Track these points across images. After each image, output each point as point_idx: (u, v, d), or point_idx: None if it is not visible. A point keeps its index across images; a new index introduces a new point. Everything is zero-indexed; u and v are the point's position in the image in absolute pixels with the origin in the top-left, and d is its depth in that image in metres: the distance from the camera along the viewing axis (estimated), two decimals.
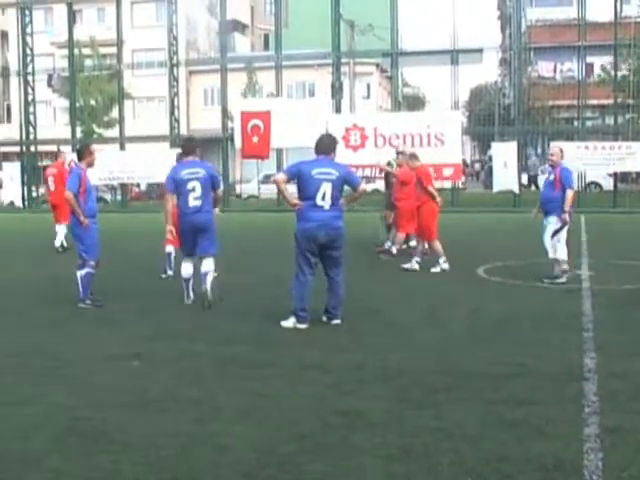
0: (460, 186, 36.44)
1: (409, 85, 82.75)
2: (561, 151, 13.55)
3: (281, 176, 10.13)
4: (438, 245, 14.93)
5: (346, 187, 9.95)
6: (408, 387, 7.02)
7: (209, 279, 11.29)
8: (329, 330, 9.58)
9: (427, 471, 5.14)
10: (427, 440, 5.66)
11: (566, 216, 12.91)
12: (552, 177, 13.19)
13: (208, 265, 11.35)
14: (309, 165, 9.90)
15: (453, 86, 36.28)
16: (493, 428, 5.91)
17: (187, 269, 11.70)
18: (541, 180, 13.22)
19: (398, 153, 17.91)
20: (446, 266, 14.74)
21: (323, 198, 9.64)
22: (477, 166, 68.94)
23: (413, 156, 15.81)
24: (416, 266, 14.87)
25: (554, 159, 13.35)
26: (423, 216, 15.11)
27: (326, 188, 9.63)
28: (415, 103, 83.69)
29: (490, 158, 40.49)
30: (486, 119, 45.96)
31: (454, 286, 13.13)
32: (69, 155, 22.46)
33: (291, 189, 10.04)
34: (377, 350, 8.48)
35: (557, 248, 13.06)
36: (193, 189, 11.28)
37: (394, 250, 16.66)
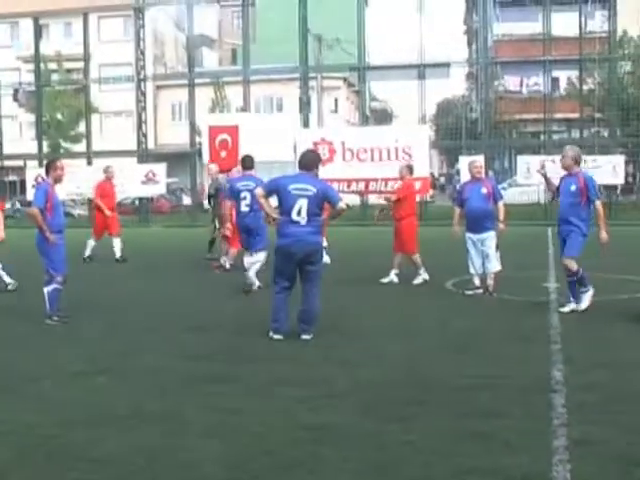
0: (428, 199, 36.58)
1: (377, 99, 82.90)
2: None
3: (260, 190, 10.26)
4: (418, 258, 15.13)
5: None
6: (377, 401, 7.01)
7: (253, 269, 13.86)
8: (299, 345, 9.55)
9: None
10: (396, 454, 5.65)
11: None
12: (485, 190, 13.41)
13: (256, 258, 13.87)
14: (287, 180, 10.04)
15: (420, 100, 36.50)
16: (462, 441, 5.91)
17: (247, 260, 14.09)
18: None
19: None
20: (426, 276, 15.02)
21: (299, 213, 9.71)
22: (442, 179, 69.26)
23: (407, 168, 15.90)
24: (425, 275, 15.05)
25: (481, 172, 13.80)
26: (403, 230, 15.19)
27: (302, 204, 9.69)
28: (383, 117, 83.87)
29: (457, 172, 40.70)
30: (453, 133, 46.24)
31: (423, 299, 13.17)
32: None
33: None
34: (346, 364, 8.45)
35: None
36: (245, 198, 13.79)
37: (227, 265, 17.11)
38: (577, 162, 11.56)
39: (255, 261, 13.92)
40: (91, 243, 20.21)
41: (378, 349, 9.31)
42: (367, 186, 30.77)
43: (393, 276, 15.07)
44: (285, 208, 9.81)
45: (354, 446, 5.85)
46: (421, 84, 36.39)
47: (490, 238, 13.33)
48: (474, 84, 56.16)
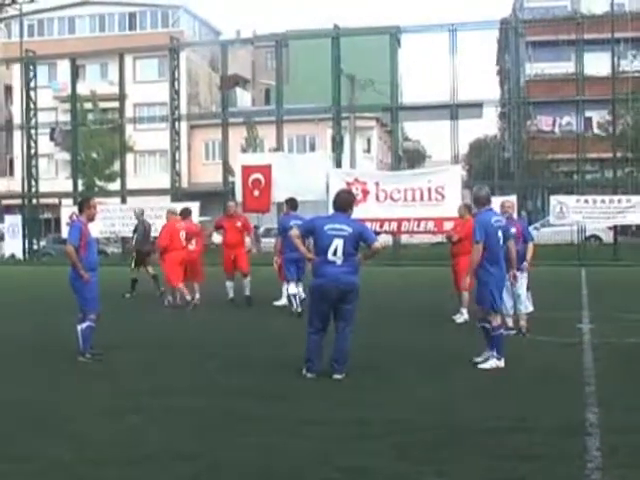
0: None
1: (409, 139, 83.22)
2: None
3: (295, 231, 10.41)
4: (467, 296, 14.96)
5: None
6: (410, 443, 6.96)
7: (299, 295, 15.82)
8: (331, 385, 9.52)
9: None
10: None
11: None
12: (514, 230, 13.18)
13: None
14: (323, 220, 10.19)
15: (453, 140, 36.44)
16: None
17: (293, 289, 15.98)
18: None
19: None
20: (467, 316, 14.89)
21: (335, 253, 9.76)
22: None
23: (465, 207, 15.99)
24: (466, 316, 14.93)
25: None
26: (460, 267, 15.13)
27: (338, 244, 9.76)
28: (415, 157, 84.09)
29: None
30: (486, 173, 46.11)
31: (456, 339, 13.08)
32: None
33: None
34: (379, 405, 8.42)
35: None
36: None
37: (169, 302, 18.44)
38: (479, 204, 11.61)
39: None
40: (228, 284, 18.35)
41: (411, 390, 9.27)
42: (400, 226, 30.85)
43: (466, 314, 15.03)
44: (321, 248, 9.86)
45: None
46: (453, 124, 36.31)
47: (521, 279, 13.26)
48: (506, 124, 56.07)
